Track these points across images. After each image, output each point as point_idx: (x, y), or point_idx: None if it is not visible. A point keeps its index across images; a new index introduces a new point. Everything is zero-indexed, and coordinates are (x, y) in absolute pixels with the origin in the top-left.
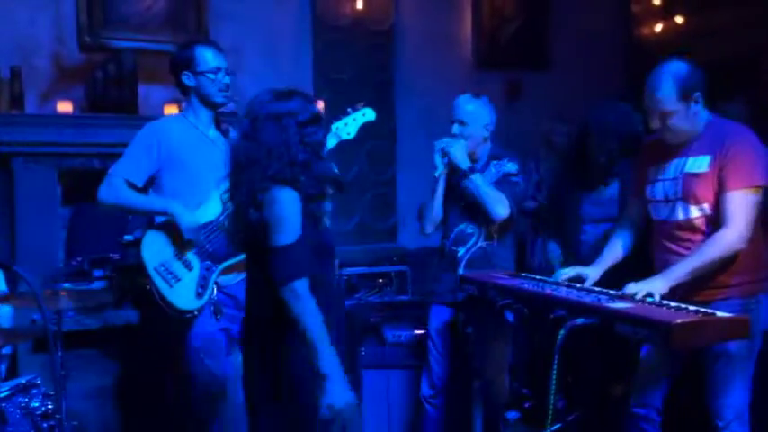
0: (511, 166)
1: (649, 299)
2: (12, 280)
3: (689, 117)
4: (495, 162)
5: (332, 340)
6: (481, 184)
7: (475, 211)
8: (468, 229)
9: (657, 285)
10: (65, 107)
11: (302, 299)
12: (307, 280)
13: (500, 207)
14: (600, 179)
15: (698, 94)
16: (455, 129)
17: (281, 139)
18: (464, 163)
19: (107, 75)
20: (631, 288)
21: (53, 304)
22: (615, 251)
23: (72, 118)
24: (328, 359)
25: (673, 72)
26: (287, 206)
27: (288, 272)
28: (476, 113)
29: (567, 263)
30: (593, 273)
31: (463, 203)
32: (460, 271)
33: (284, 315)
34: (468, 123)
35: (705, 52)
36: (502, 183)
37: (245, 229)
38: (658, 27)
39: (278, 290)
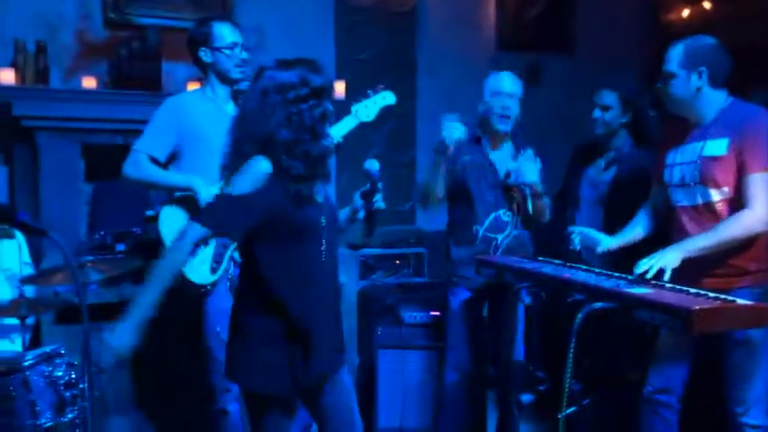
0: (538, 163)
1: (665, 278)
2: (35, 252)
3: (688, 88)
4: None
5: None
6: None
7: (510, 198)
8: (505, 216)
9: (670, 257)
10: (89, 83)
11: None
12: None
13: (547, 213)
14: (599, 151)
15: (703, 68)
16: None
17: (262, 115)
18: (540, 185)
19: (131, 51)
20: (644, 264)
21: (79, 276)
22: (636, 230)
23: (96, 93)
24: (136, 301)
25: (690, 40)
26: (248, 171)
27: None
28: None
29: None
30: (609, 242)
31: (499, 191)
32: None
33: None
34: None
35: (732, 39)
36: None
37: None
38: (685, 12)
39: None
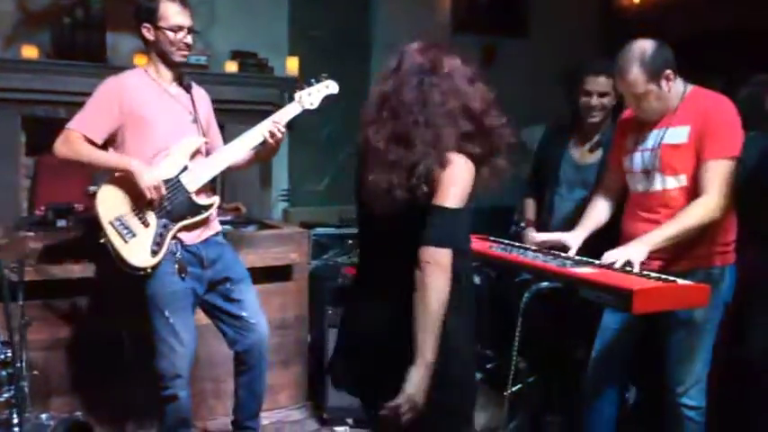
0: None
1: (627, 267)
2: None
3: (662, 96)
4: None
5: None
6: None
7: None
8: None
9: (635, 252)
10: (30, 52)
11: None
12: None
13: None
14: (582, 134)
15: (668, 71)
16: None
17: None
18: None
19: (75, 20)
20: (609, 256)
21: (16, 252)
22: (595, 218)
23: (37, 63)
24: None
25: (637, 55)
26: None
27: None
28: None
29: (541, 224)
30: (574, 240)
31: None
32: None
33: None
34: None
35: (681, 23)
36: None
37: None
38: None
39: None
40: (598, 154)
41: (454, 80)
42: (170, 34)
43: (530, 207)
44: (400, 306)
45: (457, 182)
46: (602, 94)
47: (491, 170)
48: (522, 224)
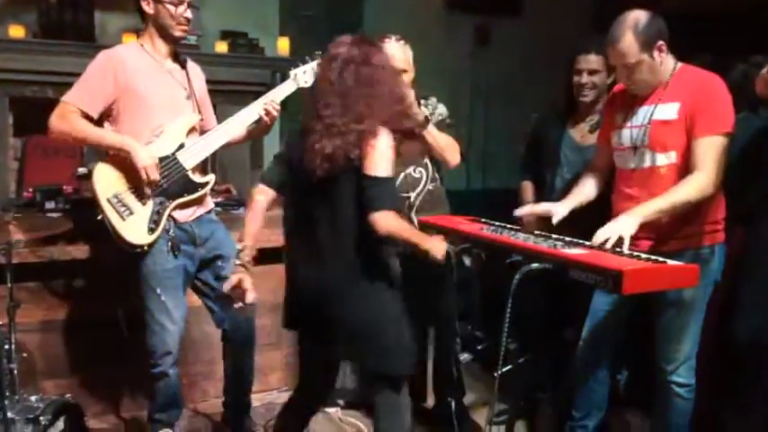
0: (442, 109)
1: (618, 248)
2: None
3: (654, 68)
4: (424, 102)
5: None
6: (439, 136)
7: (420, 152)
8: (416, 172)
9: (626, 225)
10: (17, 32)
11: None
12: None
13: (456, 155)
14: (579, 114)
15: (661, 42)
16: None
17: None
18: (420, 116)
19: None
20: (601, 234)
21: (3, 235)
22: (583, 192)
23: (24, 43)
24: None
25: (631, 24)
26: None
27: None
28: (404, 54)
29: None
30: (560, 209)
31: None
32: (414, 216)
33: None
34: (404, 66)
35: (678, 4)
36: (442, 128)
37: None
38: None
39: None
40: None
41: (381, 69)
42: (171, 8)
43: (527, 189)
44: (341, 262)
45: (384, 153)
46: (592, 72)
47: (408, 145)
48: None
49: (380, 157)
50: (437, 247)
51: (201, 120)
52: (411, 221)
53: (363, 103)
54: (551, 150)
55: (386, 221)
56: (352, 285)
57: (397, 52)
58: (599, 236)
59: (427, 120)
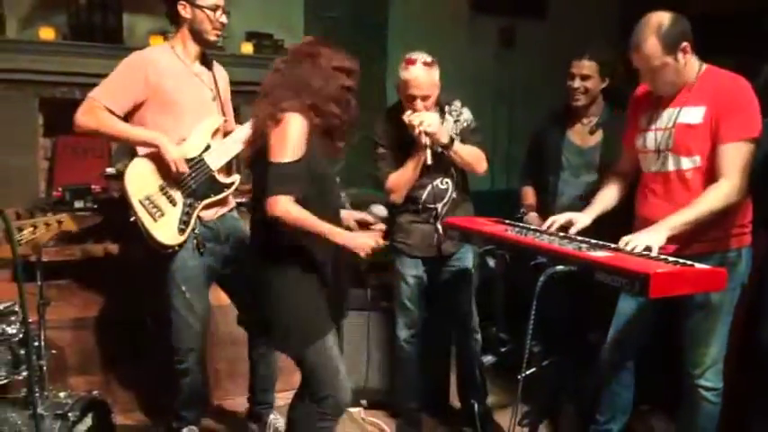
0: (467, 114)
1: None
2: None
3: (679, 70)
4: (448, 109)
5: None
6: (464, 152)
7: (446, 164)
8: (442, 183)
9: (654, 238)
10: (47, 34)
11: None
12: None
13: (483, 164)
14: (576, 117)
15: (685, 44)
16: (419, 105)
17: None
18: (445, 137)
19: (91, 2)
20: (628, 243)
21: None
22: (606, 199)
23: (54, 45)
24: None
25: (654, 26)
26: None
27: None
28: (429, 78)
29: (544, 209)
30: (583, 219)
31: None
32: (439, 225)
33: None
34: (426, 92)
35: (702, 4)
36: (467, 134)
37: None
38: None
39: None
40: (598, 135)
41: (326, 67)
42: (209, 12)
43: (529, 193)
44: (255, 245)
45: (291, 138)
46: (584, 77)
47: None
48: (523, 210)
49: (286, 142)
50: (356, 241)
51: (225, 121)
52: (437, 231)
53: (293, 91)
54: (552, 154)
55: (279, 206)
56: (264, 272)
57: (421, 74)
58: (625, 245)
59: (452, 140)
